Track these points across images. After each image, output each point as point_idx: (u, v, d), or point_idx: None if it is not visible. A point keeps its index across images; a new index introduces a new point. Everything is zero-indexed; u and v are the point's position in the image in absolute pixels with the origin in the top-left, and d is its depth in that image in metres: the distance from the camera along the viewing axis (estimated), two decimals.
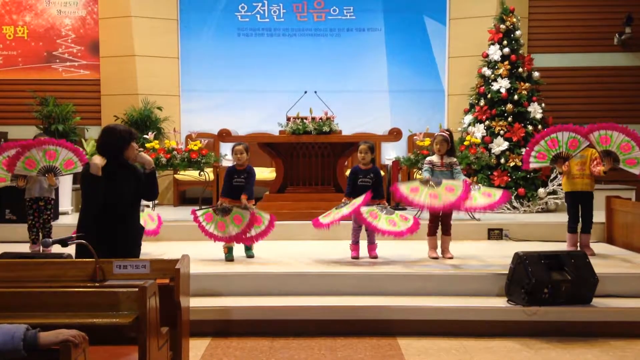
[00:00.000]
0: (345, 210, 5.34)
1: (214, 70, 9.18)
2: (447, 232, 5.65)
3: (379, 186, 5.56)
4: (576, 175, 5.73)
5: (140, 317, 2.65)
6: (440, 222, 5.64)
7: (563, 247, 5.68)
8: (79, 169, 5.35)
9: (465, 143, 7.51)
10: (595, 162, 5.61)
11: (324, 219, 5.43)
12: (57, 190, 6.30)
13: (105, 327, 2.69)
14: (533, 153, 5.65)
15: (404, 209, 7.87)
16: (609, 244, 6.41)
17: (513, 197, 7.59)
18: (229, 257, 5.48)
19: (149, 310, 2.66)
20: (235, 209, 5.42)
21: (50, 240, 3.35)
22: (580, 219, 5.80)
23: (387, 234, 5.29)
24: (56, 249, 5.34)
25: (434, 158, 5.66)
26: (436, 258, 5.58)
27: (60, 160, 5.41)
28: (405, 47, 9.23)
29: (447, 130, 5.84)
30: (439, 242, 5.67)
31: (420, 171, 7.40)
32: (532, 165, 5.78)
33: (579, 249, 5.68)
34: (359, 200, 5.32)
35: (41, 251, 5.47)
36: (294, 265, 5.27)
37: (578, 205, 5.80)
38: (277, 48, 9.19)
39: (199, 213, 5.53)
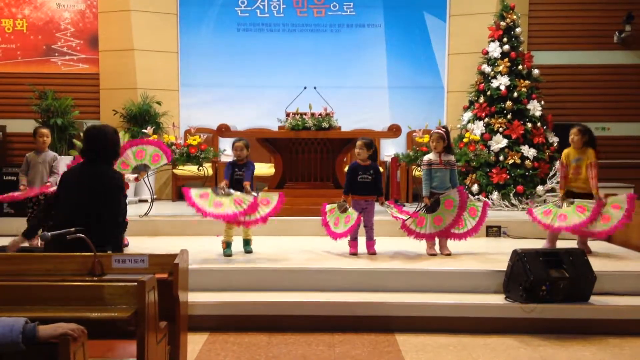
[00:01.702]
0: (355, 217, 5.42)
1: (213, 65, 9.16)
2: None
3: (378, 183, 5.58)
4: (571, 179, 5.73)
5: (139, 311, 2.65)
6: None
7: (561, 244, 5.68)
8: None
9: (465, 140, 7.51)
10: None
11: (336, 228, 5.50)
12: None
13: (104, 321, 2.69)
14: (539, 216, 5.78)
15: (402, 205, 7.89)
16: (607, 242, 6.41)
17: (511, 195, 7.60)
18: (227, 252, 5.48)
19: (147, 304, 2.66)
20: (238, 193, 5.40)
21: (49, 234, 3.34)
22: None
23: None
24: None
25: (432, 156, 5.66)
26: (434, 255, 5.58)
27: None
28: (405, 44, 9.23)
29: (444, 127, 5.84)
30: (437, 239, 5.67)
31: (419, 167, 7.41)
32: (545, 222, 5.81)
33: (577, 245, 5.68)
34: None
35: (40, 245, 5.46)
36: (292, 261, 5.27)
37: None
38: (277, 43, 9.18)
39: (193, 190, 5.46)
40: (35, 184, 5.80)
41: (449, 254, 5.56)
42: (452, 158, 5.68)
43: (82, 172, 3.70)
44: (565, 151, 5.86)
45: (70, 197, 3.63)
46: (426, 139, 7.39)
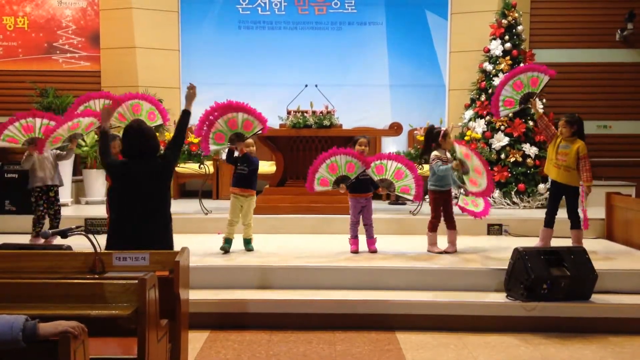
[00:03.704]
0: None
1: (214, 63, 9.17)
2: (453, 226, 5.64)
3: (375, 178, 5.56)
4: (554, 163, 5.57)
5: (140, 309, 2.65)
6: (443, 217, 5.63)
7: (562, 243, 5.67)
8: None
9: (466, 138, 7.51)
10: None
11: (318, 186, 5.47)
12: None
13: (105, 319, 2.69)
14: (500, 101, 5.67)
15: (403, 203, 7.90)
16: (609, 240, 6.41)
17: (513, 193, 7.59)
18: (224, 246, 5.46)
19: (148, 302, 2.66)
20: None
21: (50, 231, 3.34)
22: (556, 212, 5.69)
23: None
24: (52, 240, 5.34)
25: (440, 152, 5.57)
26: (440, 253, 5.56)
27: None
28: (406, 42, 9.22)
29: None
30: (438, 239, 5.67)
31: (420, 167, 7.40)
32: (502, 113, 5.81)
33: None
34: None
35: (43, 242, 5.45)
36: (293, 259, 5.27)
37: (558, 196, 5.66)
38: (278, 41, 9.18)
39: None
40: (46, 178, 5.78)
41: (455, 251, 5.56)
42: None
43: (136, 169, 3.82)
44: (558, 133, 5.64)
45: (130, 195, 3.82)
46: None
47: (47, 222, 5.88)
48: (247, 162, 5.53)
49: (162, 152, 4.06)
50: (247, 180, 5.54)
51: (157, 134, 6.87)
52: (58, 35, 9.06)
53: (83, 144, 7.90)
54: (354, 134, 7.00)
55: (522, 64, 7.90)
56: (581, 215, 5.53)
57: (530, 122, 7.78)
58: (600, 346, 4.27)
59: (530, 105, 5.74)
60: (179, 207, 7.39)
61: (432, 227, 5.66)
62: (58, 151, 6.03)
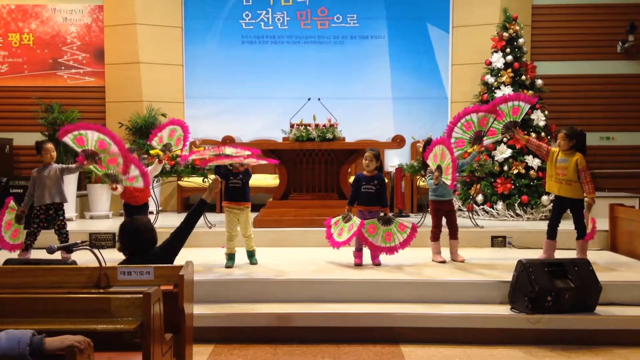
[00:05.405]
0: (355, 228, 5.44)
1: (218, 77, 9.23)
2: (454, 236, 5.70)
3: (382, 193, 5.58)
4: (555, 179, 5.55)
5: (144, 323, 2.66)
6: (447, 227, 5.68)
7: (566, 254, 5.66)
8: (140, 183, 5.15)
9: (469, 150, 7.51)
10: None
11: (339, 237, 5.50)
12: None
13: (110, 333, 2.70)
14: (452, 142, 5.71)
15: (407, 215, 7.90)
16: (613, 251, 6.40)
17: (516, 205, 7.59)
18: (229, 264, 5.47)
19: (153, 316, 2.68)
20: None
21: (55, 246, 3.36)
22: (559, 224, 5.67)
23: (380, 251, 5.49)
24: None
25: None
26: (444, 262, 5.59)
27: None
28: (408, 55, 9.28)
29: None
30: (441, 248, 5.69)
31: (423, 178, 7.42)
32: (486, 142, 5.84)
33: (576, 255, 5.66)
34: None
35: (61, 258, 5.43)
36: (297, 272, 5.27)
37: (562, 209, 5.62)
38: (281, 55, 9.25)
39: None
40: (45, 197, 5.79)
41: (463, 261, 5.61)
42: None
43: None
44: (554, 149, 5.63)
45: None
46: None
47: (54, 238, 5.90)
48: (243, 174, 5.55)
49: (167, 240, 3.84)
50: (241, 193, 5.55)
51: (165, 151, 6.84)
52: (63, 52, 9.15)
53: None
54: (357, 147, 7.05)
55: (523, 76, 7.96)
56: (590, 225, 5.52)
57: (532, 134, 7.79)
58: (606, 358, 4.26)
59: (514, 133, 5.70)
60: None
61: (434, 237, 5.72)
62: (63, 166, 6.04)
